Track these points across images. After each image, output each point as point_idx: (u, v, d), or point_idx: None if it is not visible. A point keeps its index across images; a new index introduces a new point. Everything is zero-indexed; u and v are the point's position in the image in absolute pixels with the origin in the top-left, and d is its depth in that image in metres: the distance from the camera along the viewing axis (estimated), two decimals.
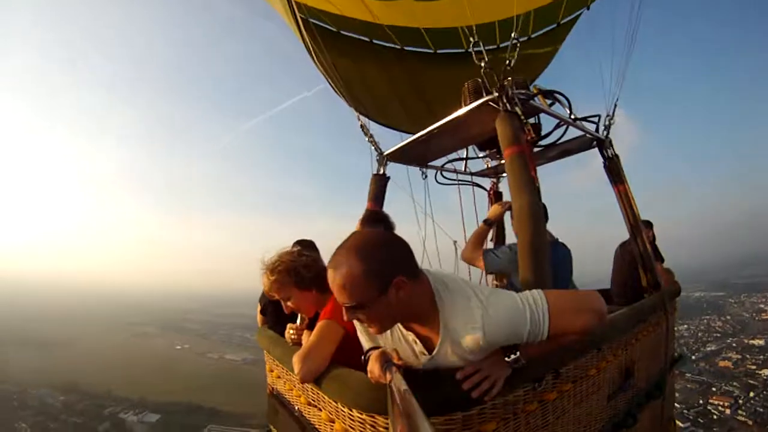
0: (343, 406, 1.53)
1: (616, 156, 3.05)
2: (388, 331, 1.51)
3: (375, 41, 4.74)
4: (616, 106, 2.99)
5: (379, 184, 3.60)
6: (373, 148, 3.69)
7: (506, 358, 1.38)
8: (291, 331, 2.17)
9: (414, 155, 3.77)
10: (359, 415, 1.45)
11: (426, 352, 1.44)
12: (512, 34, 2.33)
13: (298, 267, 2.05)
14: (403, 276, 1.31)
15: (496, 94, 2.42)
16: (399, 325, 1.48)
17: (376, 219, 2.90)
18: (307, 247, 2.74)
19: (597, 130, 3.02)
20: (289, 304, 2.11)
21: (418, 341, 1.46)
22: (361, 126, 3.64)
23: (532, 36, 4.53)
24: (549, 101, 2.89)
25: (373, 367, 1.34)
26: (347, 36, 4.58)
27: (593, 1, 4.36)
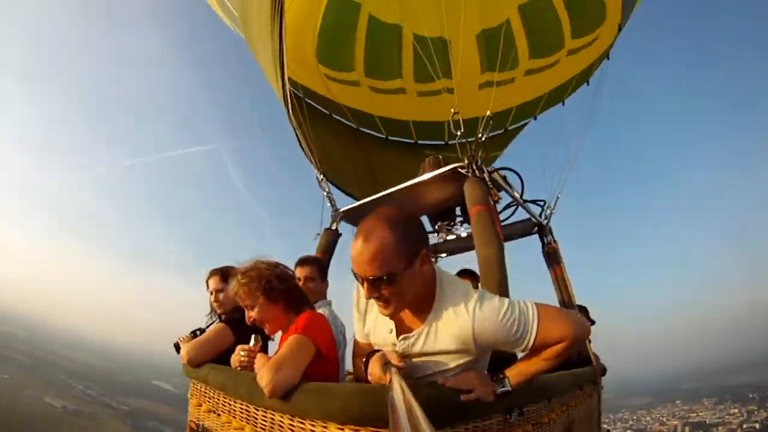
0: (325, 422, 1.29)
1: (555, 241, 3.39)
2: (375, 316, 1.56)
3: (361, 129, 5.20)
4: (558, 198, 3.40)
5: (330, 238, 3.62)
6: (328, 203, 3.75)
7: (493, 380, 1.41)
8: (242, 353, 1.94)
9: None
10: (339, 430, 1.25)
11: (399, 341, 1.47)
12: (487, 112, 2.69)
13: (271, 277, 1.96)
14: (426, 250, 1.35)
15: (467, 161, 2.67)
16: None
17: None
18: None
19: (541, 215, 3.36)
20: (251, 313, 1.95)
21: (393, 330, 1.49)
22: (320, 181, 3.74)
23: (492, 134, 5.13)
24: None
25: (374, 368, 1.32)
26: (336, 119, 5.04)
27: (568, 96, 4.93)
